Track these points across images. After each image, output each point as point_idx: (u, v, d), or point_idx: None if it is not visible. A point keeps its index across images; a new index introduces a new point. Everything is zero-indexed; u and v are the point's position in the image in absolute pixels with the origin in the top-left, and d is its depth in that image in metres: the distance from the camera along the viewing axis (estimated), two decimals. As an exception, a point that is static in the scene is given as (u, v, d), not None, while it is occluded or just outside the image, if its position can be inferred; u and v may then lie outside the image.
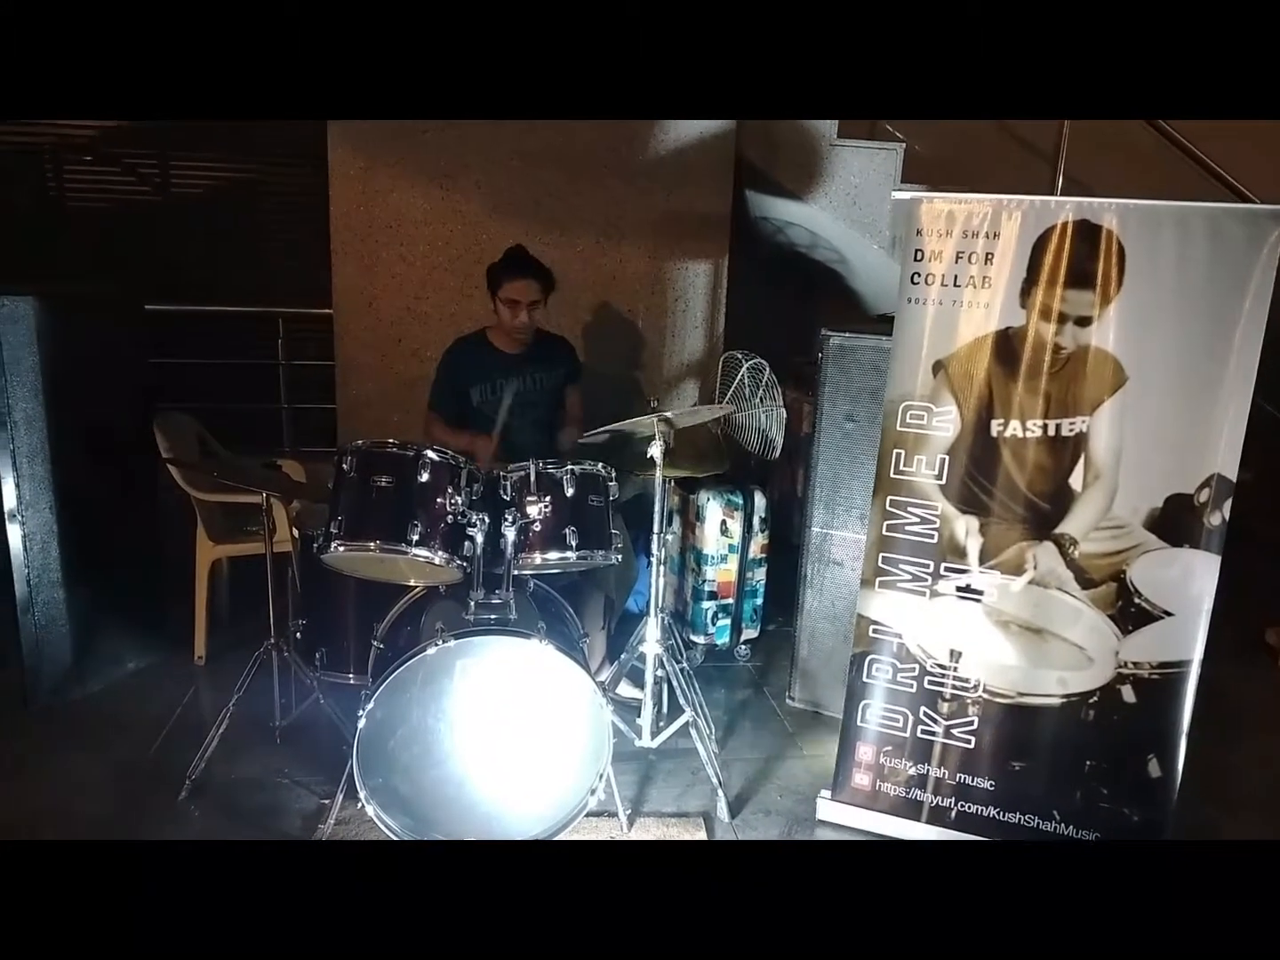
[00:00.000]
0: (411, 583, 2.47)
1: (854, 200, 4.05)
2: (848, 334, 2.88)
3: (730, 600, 3.41)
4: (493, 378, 3.08)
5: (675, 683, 2.60)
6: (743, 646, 3.50)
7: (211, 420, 3.47)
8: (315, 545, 2.28)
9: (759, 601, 3.49)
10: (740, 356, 3.58)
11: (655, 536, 2.59)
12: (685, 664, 2.80)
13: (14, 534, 2.69)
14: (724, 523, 3.34)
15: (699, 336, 4.03)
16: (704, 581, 3.37)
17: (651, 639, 2.60)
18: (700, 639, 3.42)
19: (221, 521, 3.23)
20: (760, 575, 3.45)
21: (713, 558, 3.36)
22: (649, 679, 2.62)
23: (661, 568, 2.62)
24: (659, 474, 2.54)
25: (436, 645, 2.11)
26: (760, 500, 3.40)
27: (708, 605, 3.39)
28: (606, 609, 3.00)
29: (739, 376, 3.56)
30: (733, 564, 3.38)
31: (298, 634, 2.74)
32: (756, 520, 3.39)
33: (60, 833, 2.31)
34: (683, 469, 2.93)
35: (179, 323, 3.91)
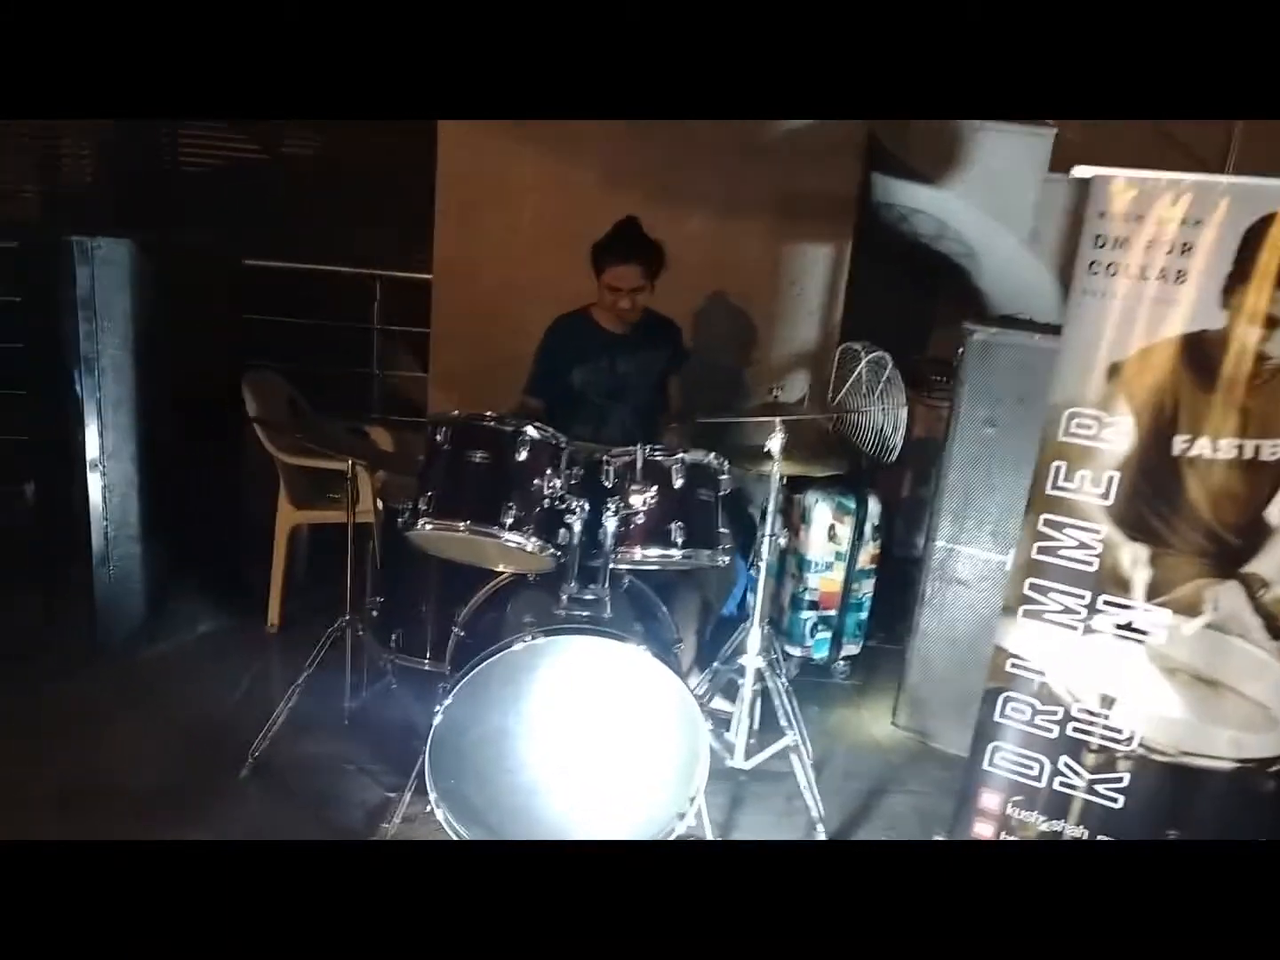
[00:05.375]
0: (498, 568, 2.28)
1: (994, 188, 3.70)
2: (994, 330, 2.58)
3: (833, 612, 3.14)
4: (597, 359, 2.86)
5: (778, 700, 2.36)
6: (841, 663, 3.23)
7: (299, 382, 3.34)
8: (400, 520, 2.11)
9: (863, 615, 3.21)
10: (859, 349, 3.30)
11: (766, 539, 2.35)
12: (784, 679, 2.56)
13: (94, 484, 2.59)
14: (832, 527, 3.07)
15: (813, 325, 3.75)
16: (805, 589, 3.11)
17: (753, 650, 2.36)
18: (797, 651, 3.16)
19: (304, 486, 3.10)
20: (867, 587, 3.18)
21: (817, 564, 3.09)
22: (747, 693, 2.38)
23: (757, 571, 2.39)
24: (775, 470, 2.29)
25: (524, 641, 1.90)
26: (874, 506, 3.12)
27: (807, 615, 3.13)
28: (701, 612, 2.77)
29: (857, 371, 3.29)
30: (838, 573, 3.11)
31: (374, 612, 2.58)
32: (869, 527, 3.11)
33: (122, 802, 2.21)
34: (794, 466, 2.66)
35: (273, 279, 3.80)
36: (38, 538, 3.10)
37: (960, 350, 2.65)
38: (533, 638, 1.91)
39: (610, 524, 2.00)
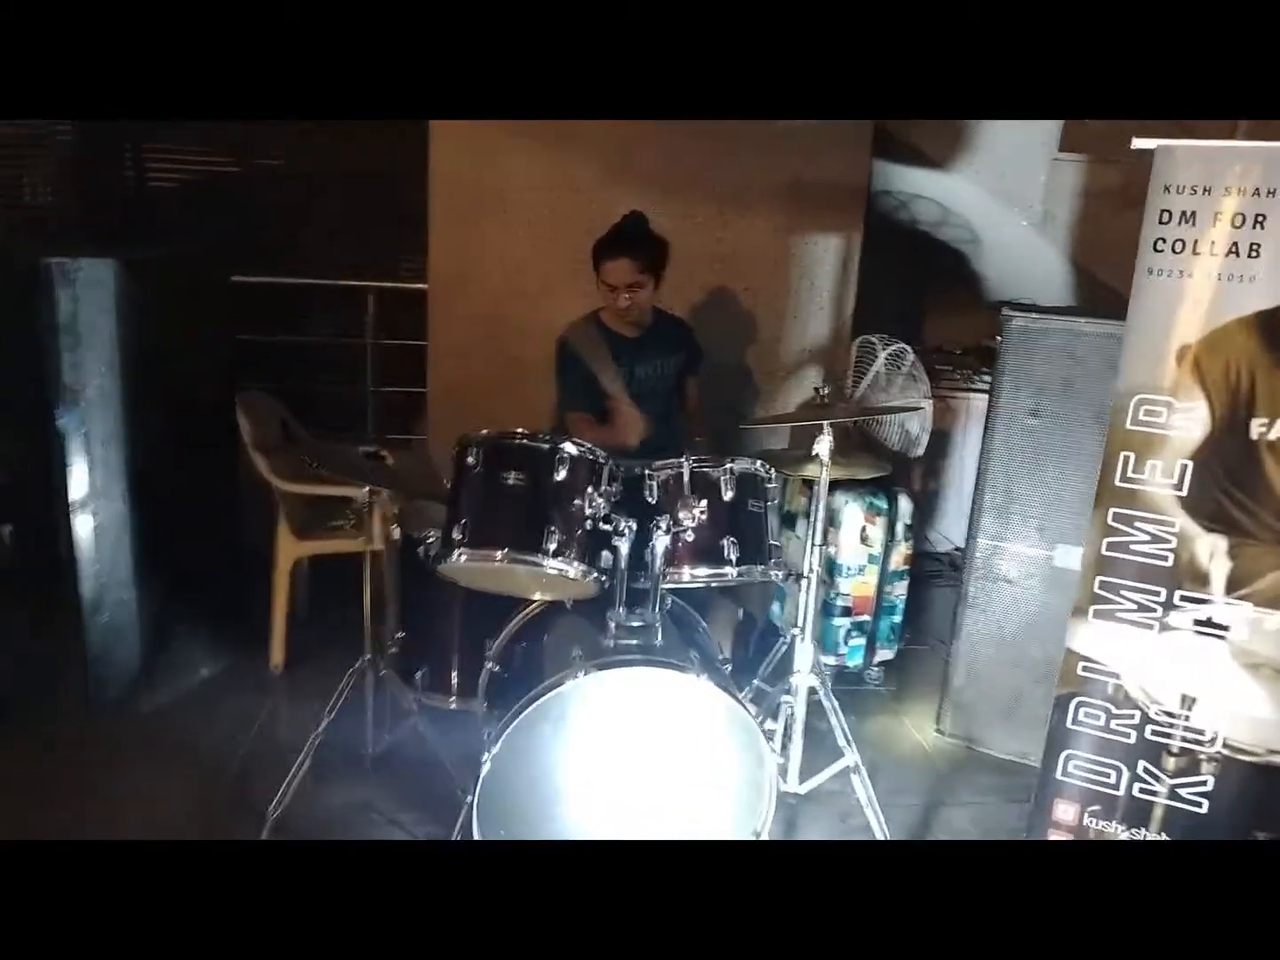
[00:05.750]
0: (534, 597, 2.12)
1: (1002, 170, 3.61)
2: (1034, 314, 2.47)
3: (866, 617, 3.02)
4: (614, 365, 2.70)
5: (834, 719, 2.22)
6: (876, 669, 3.10)
7: (292, 401, 3.16)
8: (429, 551, 1.95)
9: (897, 619, 3.09)
10: (876, 341, 3.18)
11: (815, 549, 2.21)
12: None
13: (84, 525, 2.39)
14: (864, 529, 2.94)
15: (824, 319, 3.63)
16: (837, 595, 2.98)
17: (805, 667, 2.23)
18: (830, 659, 3.02)
19: (306, 515, 2.92)
20: (900, 589, 3.06)
21: (849, 568, 2.96)
22: (799, 712, 2.25)
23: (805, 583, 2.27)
24: (824, 475, 2.16)
25: (577, 677, 1.75)
26: (906, 504, 3.00)
27: (840, 622, 3.00)
28: (742, 626, 2.63)
29: (877, 364, 3.17)
30: (871, 576, 2.99)
31: (393, 649, 2.41)
32: (900, 527, 2.99)
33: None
34: (836, 469, 2.53)
35: (257, 296, 3.60)
36: (19, 584, 2.89)
37: (998, 338, 2.53)
38: (585, 672, 1.76)
39: (660, 543, 1.84)
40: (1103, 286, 3.90)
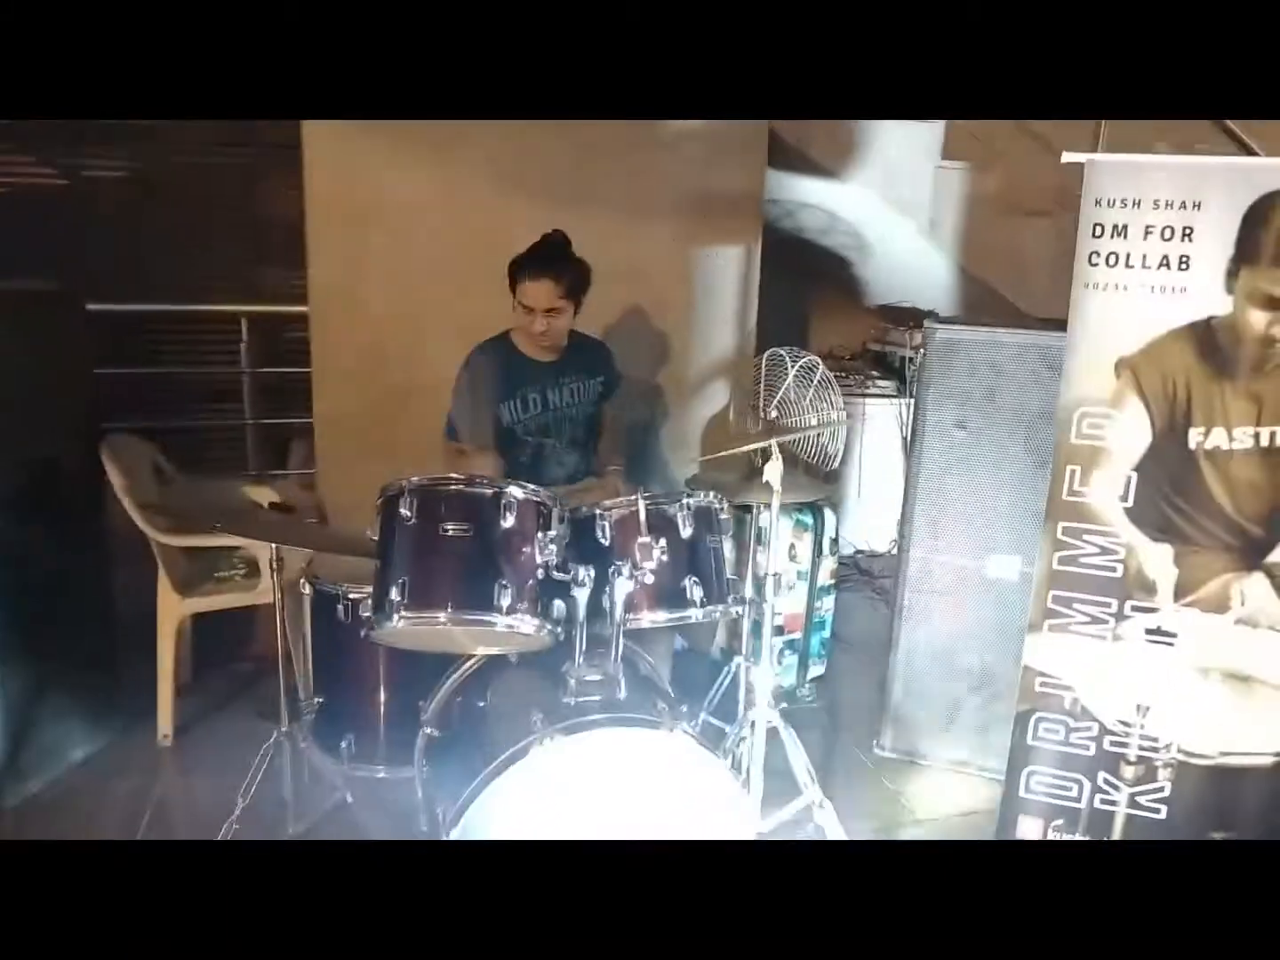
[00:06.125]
0: (476, 653, 1.94)
1: (890, 177, 3.65)
2: (957, 325, 2.47)
3: (798, 635, 2.97)
4: (524, 392, 2.53)
5: (795, 754, 2.14)
6: (807, 686, 3.06)
7: (162, 441, 2.83)
8: (353, 611, 1.74)
9: (826, 634, 3.06)
10: (786, 354, 3.14)
11: (769, 576, 2.13)
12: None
13: (-77, 604, 2.04)
14: (792, 546, 2.89)
15: (728, 332, 3.56)
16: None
17: (763, 702, 2.14)
18: (764, 681, 2.96)
19: (188, 568, 2.61)
20: (829, 604, 3.03)
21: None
22: (758, 749, 2.15)
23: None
24: (775, 502, 2.08)
25: (542, 743, 1.59)
26: (831, 518, 2.97)
27: (772, 642, 2.92)
28: (679, 655, 2.52)
29: (787, 378, 3.13)
30: (801, 593, 2.94)
31: (309, 715, 2.16)
32: (826, 542, 2.96)
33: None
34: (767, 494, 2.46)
35: (117, 326, 3.21)
36: None
37: (921, 351, 2.52)
38: (551, 738, 1.59)
39: (622, 590, 1.70)
40: (984, 288, 4.01)
